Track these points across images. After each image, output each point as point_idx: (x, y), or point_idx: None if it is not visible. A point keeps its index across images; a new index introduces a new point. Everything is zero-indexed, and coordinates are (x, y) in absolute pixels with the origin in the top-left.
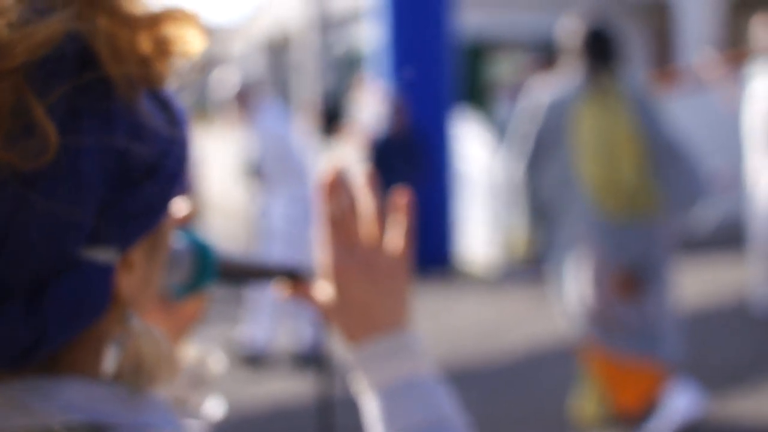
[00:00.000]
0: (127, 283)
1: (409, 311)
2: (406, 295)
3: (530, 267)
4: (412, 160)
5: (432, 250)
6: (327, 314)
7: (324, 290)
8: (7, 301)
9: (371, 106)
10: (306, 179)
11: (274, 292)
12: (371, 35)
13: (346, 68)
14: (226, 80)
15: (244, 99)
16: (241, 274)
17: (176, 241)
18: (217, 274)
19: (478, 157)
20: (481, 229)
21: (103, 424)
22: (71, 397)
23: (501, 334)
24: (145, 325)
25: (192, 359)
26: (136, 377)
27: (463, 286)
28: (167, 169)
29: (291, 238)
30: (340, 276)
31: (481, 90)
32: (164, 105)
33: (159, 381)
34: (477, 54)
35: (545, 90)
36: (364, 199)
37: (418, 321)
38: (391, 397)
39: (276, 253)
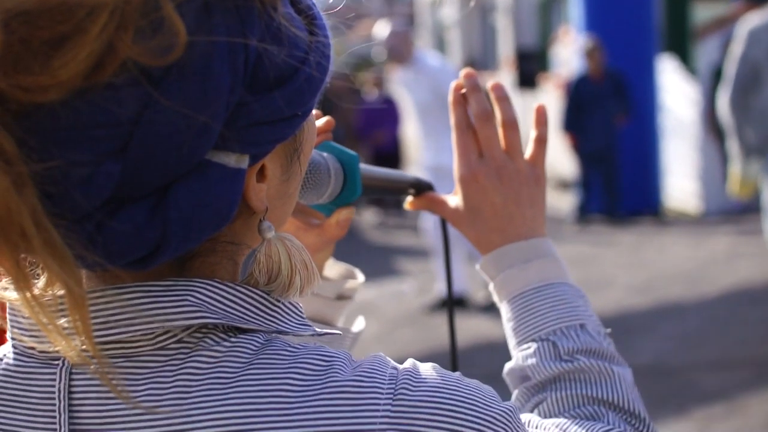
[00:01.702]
0: (259, 191)
1: (542, 221)
2: (539, 204)
3: (742, 205)
4: (611, 105)
5: (639, 194)
6: (457, 224)
7: (453, 199)
8: (133, 202)
9: (572, 55)
10: None
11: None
12: None
13: (543, 17)
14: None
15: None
16: (379, 188)
17: (320, 154)
18: (362, 188)
19: (683, 101)
20: (688, 172)
21: (239, 327)
22: (204, 299)
23: (711, 275)
24: (282, 235)
25: (335, 275)
26: (271, 285)
27: (672, 229)
28: (303, 76)
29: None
30: (469, 182)
31: (686, 34)
32: (305, 11)
33: (296, 289)
34: None
35: (754, 21)
36: (499, 107)
37: (628, 264)
38: (524, 303)
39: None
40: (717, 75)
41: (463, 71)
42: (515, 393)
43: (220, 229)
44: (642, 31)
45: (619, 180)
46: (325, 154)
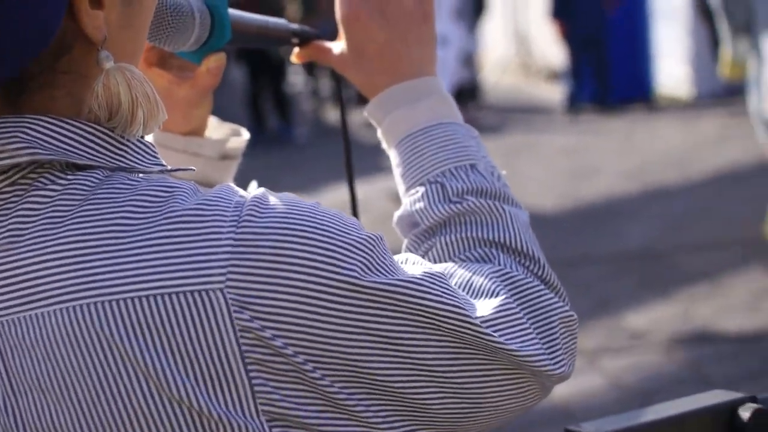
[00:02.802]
0: (95, 18)
1: (432, 60)
2: (427, 42)
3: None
4: None
5: (631, 80)
6: (344, 70)
7: (338, 44)
8: None
9: None
10: (451, 20)
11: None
12: None
13: None
14: None
15: None
16: (253, 35)
17: None
18: (231, 32)
19: None
20: (679, 55)
21: (77, 164)
22: (36, 135)
23: (700, 158)
24: (122, 65)
25: (220, 135)
26: (113, 120)
27: (663, 114)
28: None
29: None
30: (351, 21)
31: None
32: None
33: (139, 124)
34: None
35: None
36: None
37: (618, 151)
38: (412, 145)
39: None
40: None
41: None
42: (405, 242)
43: (38, 50)
44: None
45: (609, 66)
46: None
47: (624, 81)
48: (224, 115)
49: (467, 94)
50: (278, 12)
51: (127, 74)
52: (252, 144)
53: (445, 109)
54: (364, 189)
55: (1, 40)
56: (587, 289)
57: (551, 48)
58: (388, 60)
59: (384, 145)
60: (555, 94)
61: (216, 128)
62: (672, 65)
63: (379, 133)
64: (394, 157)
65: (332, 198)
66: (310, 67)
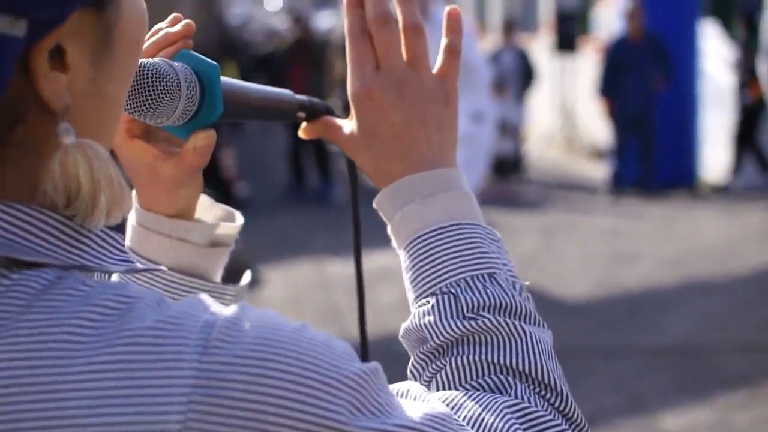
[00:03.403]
0: (55, 82)
1: (452, 148)
2: (448, 127)
3: None
4: (649, 69)
5: (675, 165)
6: (353, 152)
7: (349, 123)
8: None
9: (613, 18)
10: (487, 95)
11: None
12: None
13: None
14: None
15: None
16: (252, 107)
17: (168, 63)
18: (222, 105)
19: (723, 68)
20: (725, 142)
21: (21, 260)
22: None
23: (743, 252)
24: (84, 141)
25: (211, 218)
26: (73, 207)
27: (707, 202)
28: None
29: (466, 158)
30: (363, 99)
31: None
32: None
33: (101, 213)
34: None
35: None
36: (401, 8)
37: (659, 238)
38: (423, 247)
39: None
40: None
41: None
42: (411, 359)
43: None
44: None
45: (655, 148)
46: (176, 64)
47: (668, 165)
48: (266, 167)
49: (510, 166)
50: (324, 67)
51: (89, 152)
52: (290, 201)
53: (463, 207)
54: (390, 256)
55: None
56: (620, 383)
57: (597, 125)
58: (403, 145)
59: (393, 244)
60: (598, 172)
61: (208, 209)
62: (718, 153)
63: (389, 230)
64: (403, 259)
65: (368, 263)
66: None
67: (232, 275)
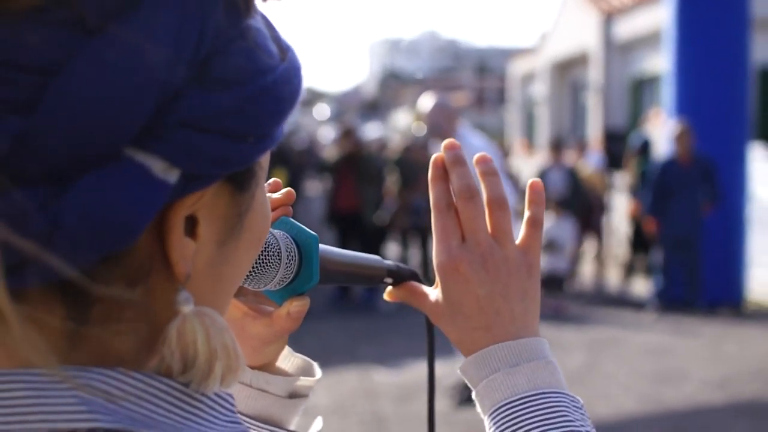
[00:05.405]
0: (185, 247)
1: (535, 317)
2: (531, 297)
3: None
4: (698, 191)
5: (722, 284)
6: (437, 320)
7: (434, 291)
8: (23, 185)
9: (661, 138)
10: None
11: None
12: (662, 60)
13: (634, 97)
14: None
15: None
16: (347, 274)
17: (270, 231)
18: (319, 276)
19: None
20: None
21: None
22: (100, 391)
23: None
24: (202, 310)
25: (290, 368)
26: (189, 373)
27: (754, 323)
28: (263, 86)
29: None
30: (449, 272)
31: None
32: (275, 33)
33: (216, 379)
34: None
35: None
36: (485, 183)
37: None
38: (509, 416)
39: None
40: None
41: (445, 142)
42: None
43: (119, 245)
44: (734, 117)
45: (701, 269)
46: (276, 232)
47: (714, 285)
48: None
49: (556, 282)
50: (374, 180)
51: (206, 321)
52: (335, 309)
53: (547, 376)
54: (443, 369)
55: (102, 226)
56: None
57: (644, 242)
58: (487, 317)
59: (478, 408)
60: (643, 289)
61: (286, 357)
62: (765, 274)
63: (473, 395)
64: (488, 426)
65: (408, 375)
66: (403, 236)
67: None
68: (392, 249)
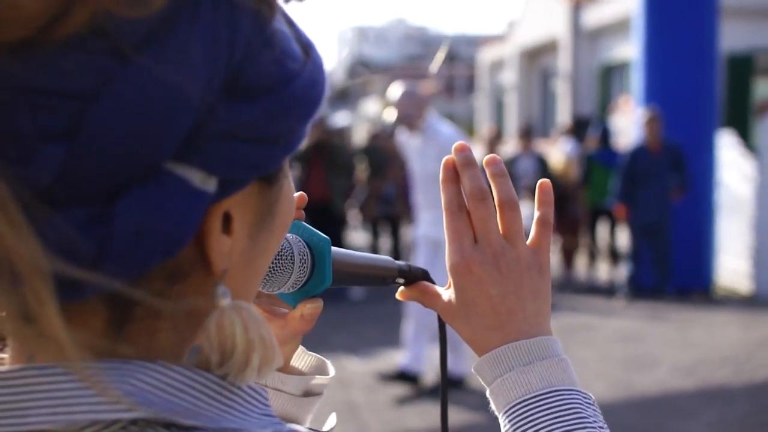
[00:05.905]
0: (223, 244)
1: (547, 316)
2: (543, 296)
3: None
4: (667, 178)
5: (690, 271)
6: (450, 320)
7: (446, 291)
8: (69, 206)
9: (630, 125)
10: None
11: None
12: (631, 48)
13: (603, 85)
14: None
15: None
16: (359, 275)
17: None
18: (331, 278)
19: (740, 178)
20: (741, 251)
21: (179, 423)
22: (143, 387)
23: (760, 360)
24: (239, 303)
25: (304, 367)
26: (226, 366)
27: (722, 308)
28: (290, 92)
29: (433, 261)
30: (462, 272)
31: (747, 110)
32: (297, 31)
33: (253, 370)
34: (742, 69)
35: None
36: (496, 185)
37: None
38: (524, 414)
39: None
40: None
41: (456, 144)
42: None
43: (166, 258)
44: (702, 105)
45: (670, 255)
46: (289, 236)
47: (684, 271)
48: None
49: None
50: (343, 169)
51: (244, 314)
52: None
53: (560, 373)
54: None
55: (150, 240)
56: None
57: (614, 228)
58: (500, 317)
59: (492, 407)
60: (614, 276)
61: (299, 356)
62: (733, 260)
63: (488, 393)
64: (503, 424)
65: (380, 363)
66: (373, 225)
67: None
68: (362, 237)
